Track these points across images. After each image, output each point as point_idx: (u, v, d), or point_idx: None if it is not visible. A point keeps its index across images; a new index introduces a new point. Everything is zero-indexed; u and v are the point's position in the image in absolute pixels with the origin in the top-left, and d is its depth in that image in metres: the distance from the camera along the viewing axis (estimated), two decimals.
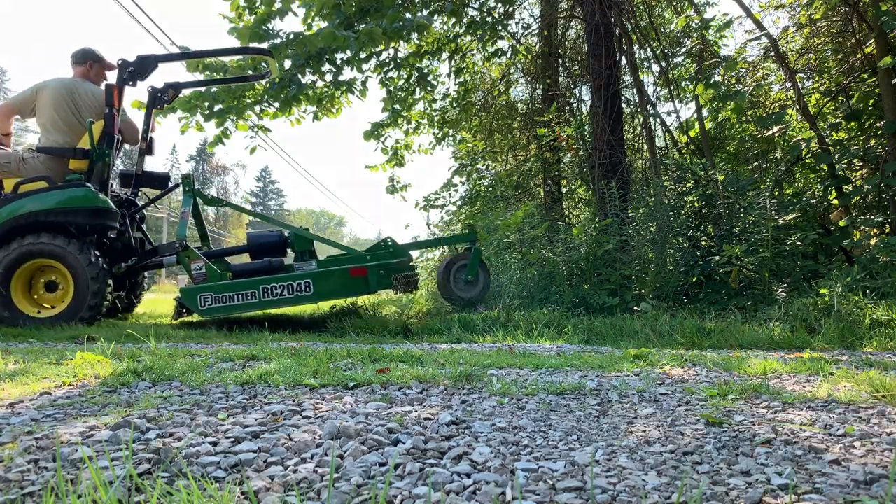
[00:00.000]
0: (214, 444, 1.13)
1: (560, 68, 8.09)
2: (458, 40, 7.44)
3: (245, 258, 4.71)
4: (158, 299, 9.56)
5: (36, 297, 4.12)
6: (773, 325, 3.21)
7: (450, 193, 8.63)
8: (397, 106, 7.54)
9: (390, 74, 7.11)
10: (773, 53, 5.23)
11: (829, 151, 4.68)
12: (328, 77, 6.15)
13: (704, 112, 6.03)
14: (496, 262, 5.25)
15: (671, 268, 4.30)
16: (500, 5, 7.22)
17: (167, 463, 1.02)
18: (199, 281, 3.92)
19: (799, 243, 4.11)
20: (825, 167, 4.84)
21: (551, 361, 2.24)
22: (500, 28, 7.14)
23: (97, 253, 4.05)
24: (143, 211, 4.84)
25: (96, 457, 1.06)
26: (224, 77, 5.61)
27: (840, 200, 4.70)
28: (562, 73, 8.10)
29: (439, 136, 8.71)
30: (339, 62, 5.95)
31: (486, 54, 7.71)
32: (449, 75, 7.83)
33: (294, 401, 1.52)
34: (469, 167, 8.59)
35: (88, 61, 4.46)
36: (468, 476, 1.00)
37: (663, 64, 6.44)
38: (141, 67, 4.29)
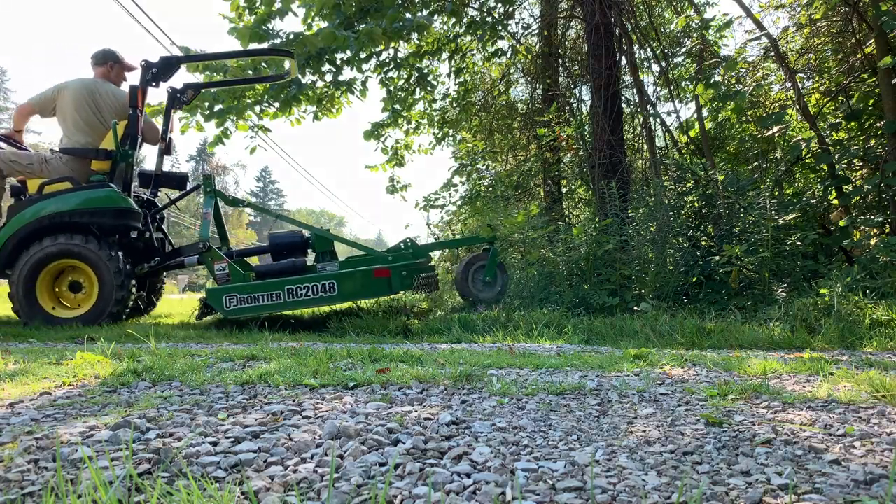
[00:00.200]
0: (214, 444, 1.13)
1: (560, 68, 8.09)
2: (458, 40, 7.44)
3: (266, 259, 4.71)
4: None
5: (60, 297, 4.13)
6: (773, 325, 3.21)
7: (450, 193, 8.63)
8: (397, 106, 7.54)
9: (390, 74, 7.11)
10: (773, 53, 5.23)
11: (829, 151, 4.68)
12: (328, 77, 6.16)
13: (704, 112, 6.03)
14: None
15: (671, 268, 4.30)
16: (500, 5, 7.22)
17: (167, 463, 1.02)
18: (222, 282, 3.93)
19: (799, 243, 4.11)
20: (825, 167, 4.84)
21: (551, 361, 2.24)
22: (500, 28, 7.14)
23: (121, 254, 4.07)
24: (163, 211, 4.86)
25: (96, 457, 1.06)
26: (241, 77, 5.64)
27: (840, 200, 4.70)
28: (562, 73, 8.10)
29: (439, 136, 8.72)
30: (339, 62, 5.95)
31: (486, 54, 7.71)
32: (449, 75, 7.83)
33: (294, 401, 1.52)
34: (469, 167, 8.59)
35: (109, 62, 4.46)
36: (468, 476, 1.00)
37: (663, 64, 6.45)
38: (164, 68, 4.31)
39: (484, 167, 8.76)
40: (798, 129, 5.36)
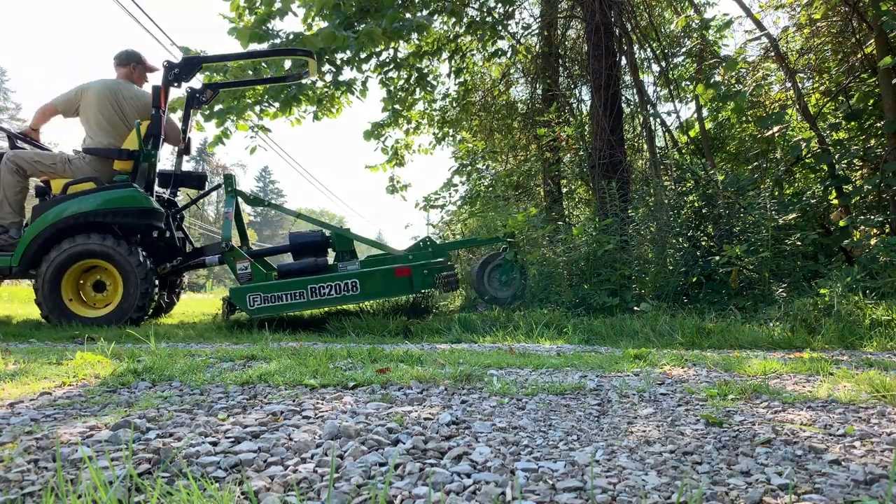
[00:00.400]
0: (214, 444, 1.13)
1: (560, 68, 8.09)
2: (458, 40, 7.44)
3: (284, 258, 4.72)
4: None
5: (84, 297, 4.14)
6: (773, 325, 3.21)
7: (450, 193, 8.64)
8: (397, 106, 7.54)
9: (390, 74, 7.11)
10: (773, 53, 5.23)
11: (829, 151, 4.68)
12: (328, 77, 6.16)
13: (704, 112, 6.03)
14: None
15: (671, 268, 4.30)
16: (500, 5, 7.22)
17: (167, 463, 1.02)
18: (244, 281, 3.95)
19: (799, 243, 4.11)
20: (825, 167, 4.84)
21: (551, 361, 2.24)
22: (500, 28, 7.14)
23: (145, 253, 4.09)
24: (183, 211, 4.90)
25: (96, 457, 1.06)
26: (252, 78, 5.68)
27: (840, 200, 4.70)
28: (562, 73, 8.10)
29: (439, 136, 8.72)
30: (339, 62, 5.95)
31: (486, 54, 7.71)
32: (449, 75, 7.83)
33: (294, 401, 1.52)
34: (469, 167, 8.59)
35: (132, 63, 4.49)
36: (468, 476, 1.00)
37: (663, 64, 6.45)
38: (186, 69, 4.34)
39: (484, 167, 8.76)
40: (798, 129, 5.36)
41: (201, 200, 5.29)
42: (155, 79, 4.46)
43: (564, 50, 8.04)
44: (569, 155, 7.36)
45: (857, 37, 5.05)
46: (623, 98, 6.57)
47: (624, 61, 6.36)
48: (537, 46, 8.05)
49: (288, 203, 64.88)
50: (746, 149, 5.94)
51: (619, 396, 1.64)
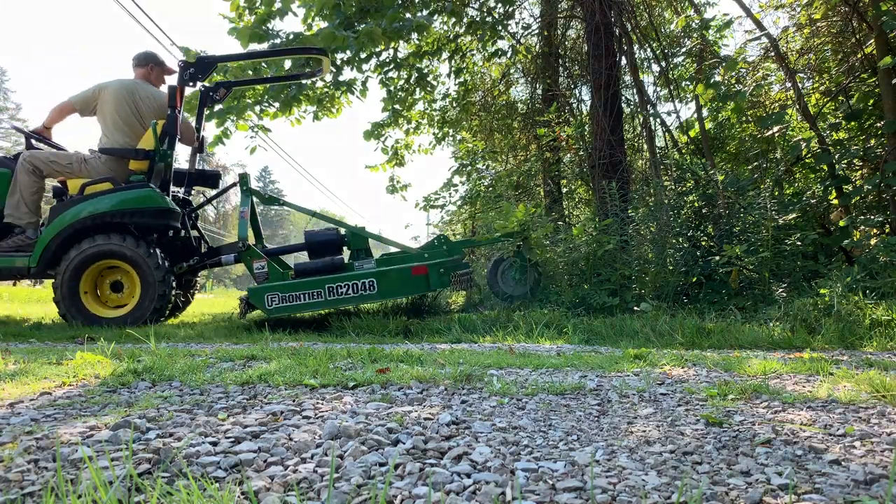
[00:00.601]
0: (214, 444, 1.13)
1: (560, 68, 8.09)
2: (458, 40, 7.44)
3: (294, 257, 4.72)
4: None
5: (102, 297, 4.15)
6: (773, 325, 3.21)
7: (450, 193, 8.64)
8: (397, 106, 7.54)
9: (390, 74, 7.11)
10: (773, 53, 5.23)
11: (829, 151, 4.68)
12: (328, 77, 6.16)
13: (704, 112, 6.03)
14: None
15: (671, 268, 4.30)
16: (500, 5, 7.22)
17: (167, 463, 1.02)
18: (261, 280, 3.96)
19: (799, 243, 4.11)
20: (825, 167, 4.84)
21: (551, 361, 2.24)
22: (500, 28, 7.14)
23: (162, 253, 4.11)
24: (198, 210, 4.91)
25: (96, 457, 1.06)
26: (271, 76, 5.71)
27: (840, 200, 4.70)
28: (562, 73, 8.11)
29: (439, 136, 8.72)
30: (339, 62, 5.95)
31: (486, 54, 7.71)
32: (449, 75, 7.83)
33: (294, 401, 1.52)
34: (469, 167, 8.60)
35: (150, 64, 4.51)
36: (468, 476, 1.00)
37: (663, 64, 6.45)
38: (201, 68, 4.36)
39: (484, 167, 8.77)
40: (798, 129, 5.36)
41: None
42: (170, 80, 4.50)
43: (564, 50, 8.05)
44: (569, 155, 7.37)
45: (857, 37, 5.05)
46: (623, 98, 6.58)
47: (624, 61, 6.36)
48: (537, 46, 8.06)
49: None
50: (746, 149, 5.94)
51: (619, 396, 1.64)
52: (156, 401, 1.50)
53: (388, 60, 6.80)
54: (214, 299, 12.20)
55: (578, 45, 7.85)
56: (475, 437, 1.22)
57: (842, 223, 4.48)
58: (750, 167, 5.52)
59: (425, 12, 6.01)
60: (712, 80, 4.90)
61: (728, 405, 1.49)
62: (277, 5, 5.42)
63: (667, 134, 6.50)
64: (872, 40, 4.70)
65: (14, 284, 10.66)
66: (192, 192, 4.89)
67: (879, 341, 2.79)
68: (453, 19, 6.89)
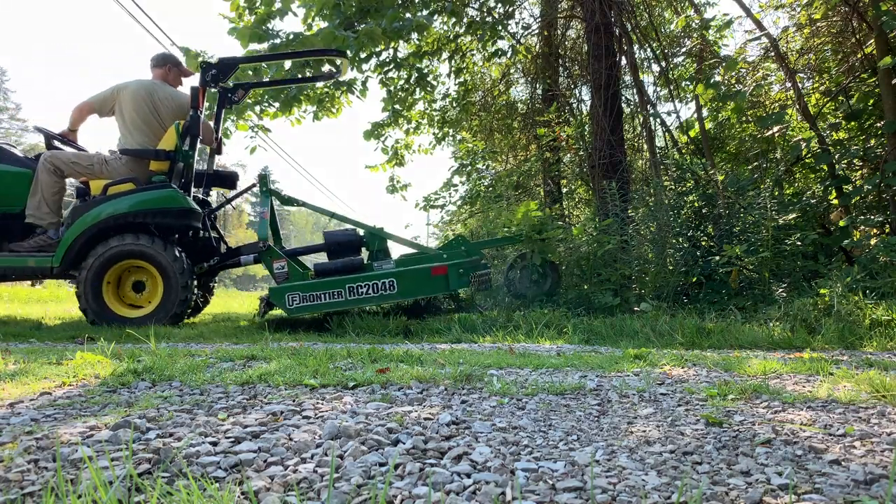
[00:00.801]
0: (214, 444, 1.13)
1: (560, 68, 8.09)
2: (458, 40, 7.44)
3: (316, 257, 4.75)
4: None
5: (124, 297, 4.16)
6: (773, 325, 3.21)
7: (450, 193, 8.65)
8: (397, 106, 7.54)
9: (390, 74, 7.11)
10: (773, 53, 5.23)
11: (829, 151, 4.68)
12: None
13: (704, 112, 6.03)
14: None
15: (671, 268, 4.30)
16: (500, 5, 7.22)
17: (167, 463, 1.02)
18: (281, 280, 3.98)
19: (799, 243, 4.11)
20: (825, 167, 4.84)
21: (551, 361, 2.24)
22: (500, 28, 7.14)
23: (184, 253, 4.12)
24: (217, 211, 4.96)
25: (96, 457, 1.06)
26: (293, 78, 5.75)
27: (840, 200, 4.70)
28: (562, 73, 8.11)
29: (439, 136, 8.72)
30: (338, 61, 5.95)
31: (486, 54, 7.71)
32: (449, 75, 7.83)
33: (294, 401, 1.52)
34: (469, 167, 8.60)
35: (168, 65, 4.53)
36: (468, 476, 1.00)
37: (663, 64, 6.45)
38: (223, 70, 4.39)
39: (484, 167, 8.77)
40: (798, 129, 5.36)
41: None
42: (187, 81, 4.55)
43: (564, 50, 8.05)
44: (569, 155, 7.37)
45: (857, 37, 5.05)
46: (623, 98, 6.58)
47: (624, 61, 6.36)
48: (537, 46, 8.06)
49: None
50: (746, 149, 5.94)
51: (619, 396, 1.64)
52: (156, 401, 1.50)
53: (388, 60, 6.80)
54: (215, 299, 12.18)
55: (578, 45, 7.85)
56: (475, 437, 1.22)
57: (842, 223, 4.48)
58: (750, 167, 5.52)
59: (425, 12, 6.01)
60: (712, 80, 4.90)
61: (728, 405, 1.49)
62: (277, 5, 5.42)
63: (667, 134, 6.50)
64: (872, 40, 4.70)
65: (32, 285, 10.69)
66: (211, 192, 4.93)
67: (879, 341, 2.79)
68: (453, 19, 6.89)
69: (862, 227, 4.49)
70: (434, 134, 8.70)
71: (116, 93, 4.25)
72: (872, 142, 4.82)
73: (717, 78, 5.21)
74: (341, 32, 5.02)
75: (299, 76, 5.76)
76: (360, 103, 7.11)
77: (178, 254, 4.02)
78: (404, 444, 1.16)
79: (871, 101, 4.85)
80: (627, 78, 6.69)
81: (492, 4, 7.21)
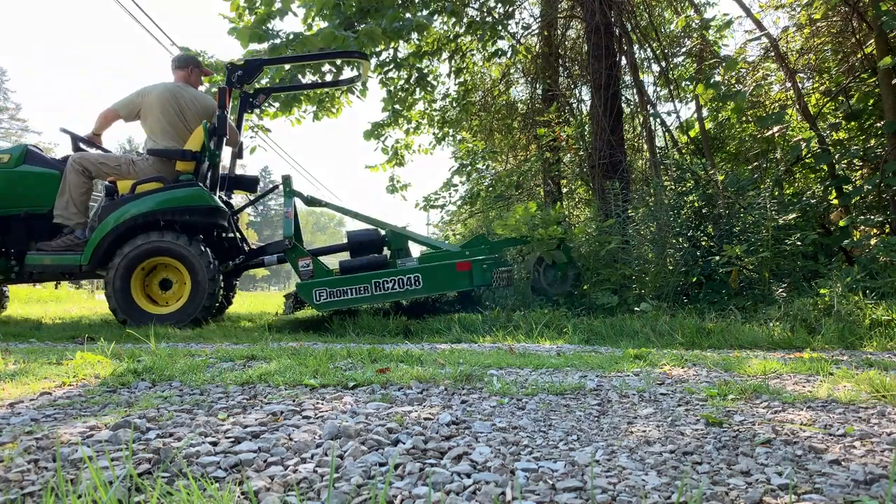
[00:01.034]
0: (214, 444, 1.13)
1: (560, 68, 8.09)
2: (458, 40, 7.44)
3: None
4: None
5: (151, 295, 4.18)
6: (773, 325, 3.21)
7: (450, 193, 8.64)
8: (397, 106, 7.54)
9: (390, 74, 7.11)
10: (773, 53, 5.23)
11: (829, 151, 4.67)
12: (328, 77, 6.16)
13: (704, 112, 6.03)
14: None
15: (671, 268, 4.29)
16: (500, 5, 7.22)
17: (167, 463, 1.02)
18: (305, 278, 4.06)
19: (799, 243, 4.11)
20: (825, 167, 4.83)
21: (551, 361, 2.24)
22: (500, 28, 7.13)
23: (211, 252, 4.16)
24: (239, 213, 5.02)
25: (96, 457, 1.06)
26: (313, 82, 5.82)
27: (840, 200, 4.70)
28: (562, 73, 8.10)
29: (439, 136, 8.72)
30: (339, 62, 5.95)
31: (486, 54, 7.71)
32: (449, 75, 7.83)
33: (294, 401, 1.52)
34: (469, 167, 8.59)
35: (189, 66, 4.56)
36: (468, 476, 1.00)
37: (663, 64, 6.44)
38: (249, 71, 4.45)
39: (484, 167, 8.76)
40: (798, 129, 5.35)
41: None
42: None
43: (564, 50, 8.04)
44: (569, 155, 7.36)
45: (857, 37, 5.05)
46: (623, 98, 6.57)
47: (624, 61, 6.35)
48: (537, 46, 8.05)
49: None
50: (746, 149, 5.94)
51: (619, 396, 1.64)
52: (156, 401, 1.50)
53: (388, 60, 6.80)
54: None
55: (578, 45, 7.85)
56: (475, 437, 1.22)
57: (842, 223, 4.48)
58: (750, 167, 5.51)
59: (425, 12, 6.01)
60: (712, 80, 4.90)
61: (728, 405, 1.49)
62: (277, 5, 5.41)
63: (667, 134, 6.50)
64: (872, 40, 4.69)
65: (56, 287, 10.73)
66: (233, 195, 4.98)
67: (879, 341, 2.79)
68: (453, 19, 6.89)
69: (862, 227, 4.49)
70: (434, 134, 8.70)
71: (141, 97, 4.30)
72: (872, 142, 4.82)
73: (717, 78, 5.20)
74: (341, 32, 5.02)
75: (319, 80, 5.86)
76: (360, 103, 7.12)
77: (206, 252, 4.05)
78: (404, 444, 1.16)
79: (871, 101, 4.85)
80: (627, 78, 6.68)
81: (492, 4, 7.21)
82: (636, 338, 3.28)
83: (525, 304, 4.40)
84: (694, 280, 4.31)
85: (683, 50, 6.63)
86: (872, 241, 4.25)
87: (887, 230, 4.44)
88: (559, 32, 8.01)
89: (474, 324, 3.78)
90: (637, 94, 6.39)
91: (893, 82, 4.25)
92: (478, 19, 6.96)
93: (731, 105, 5.01)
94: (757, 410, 1.45)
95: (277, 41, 5.44)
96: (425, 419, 1.35)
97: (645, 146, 6.59)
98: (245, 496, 0.90)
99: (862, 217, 4.50)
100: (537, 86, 8.03)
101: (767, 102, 5.78)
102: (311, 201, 4.71)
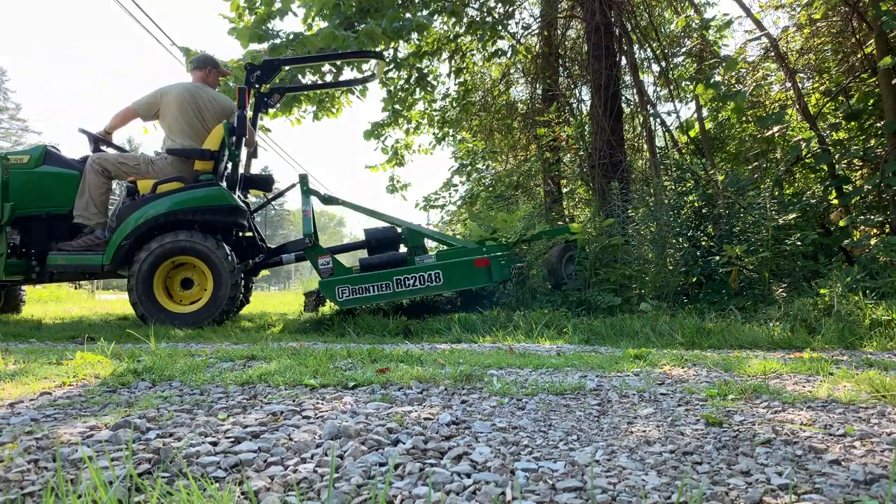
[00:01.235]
0: (214, 444, 1.13)
1: (560, 68, 8.09)
2: (458, 40, 7.44)
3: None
4: None
5: (172, 294, 4.19)
6: (773, 325, 3.21)
7: (450, 193, 8.64)
8: (397, 106, 7.54)
9: (390, 74, 7.11)
10: (773, 53, 5.23)
11: (829, 151, 4.68)
12: (328, 77, 6.16)
13: (704, 112, 6.03)
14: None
15: (671, 268, 4.29)
16: (500, 5, 7.22)
17: (167, 463, 1.02)
18: (325, 275, 4.09)
19: (799, 243, 4.11)
20: (825, 167, 4.83)
21: (551, 361, 2.24)
22: (500, 28, 7.14)
23: (232, 251, 4.18)
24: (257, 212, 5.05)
25: (96, 457, 1.06)
26: (328, 81, 5.84)
27: (840, 200, 4.70)
28: (562, 73, 8.10)
29: (439, 136, 8.72)
30: (338, 62, 5.95)
31: (486, 54, 7.71)
32: (449, 75, 7.83)
33: (294, 401, 1.52)
34: (469, 167, 8.60)
35: (208, 66, 4.58)
36: (468, 476, 1.00)
37: (663, 64, 6.44)
38: (267, 71, 4.46)
39: (484, 167, 8.77)
40: (798, 129, 5.36)
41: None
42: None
43: (564, 50, 8.04)
44: (569, 155, 7.37)
45: (857, 37, 5.05)
46: (623, 98, 6.57)
47: (624, 61, 6.35)
48: (537, 46, 8.05)
49: (288, 203, 64.90)
50: (746, 149, 5.94)
51: (619, 396, 1.64)
52: (156, 401, 1.50)
53: (388, 60, 6.80)
54: None
55: (578, 45, 7.85)
56: (475, 437, 1.22)
57: (842, 223, 4.48)
58: (750, 167, 5.51)
59: (425, 12, 6.01)
60: (712, 80, 4.90)
61: (728, 405, 1.49)
62: (277, 5, 5.41)
63: (667, 134, 6.50)
64: (872, 40, 4.70)
65: (75, 288, 10.73)
66: (248, 195, 4.99)
67: (879, 341, 2.79)
68: (453, 19, 6.89)
69: (862, 227, 4.49)
70: (434, 134, 8.70)
71: (160, 97, 4.31)
72: (872, 142, 4.82)
73: (717, 78, 5.21)
74: (341, 32, 5.02)
75: (319, 80, 5.88)
76: (360, 103, 7.11)
77: (228, 251, 4.07)
78: (404, 444, 1.16)
79: (871, 101, 4.85)
80: (627, 78, 6.68)
81: (492, 4, 7.21)
82: (636, 338, 3.28)
83: (525, 303, 4.40)
84: (694, 280, 4.31)
85: (683, 50, 6.63)
86: (872, 241, 4.25)
87: (887, 230, 4.44)
88: (559, 32, 8.01)
89: (474, 324, 3.78)
90: (637, 94, 6.39)
91: (893, 82, 4.25)
92: (478, 19, 6.96)
93: (731, 105, 5.01)
94: (757, 410, 1.45)
95: (277, 41, 5.44)
96: (425, 419, 1.35)
97: (645, 146, 6.59)
98: (245, 496, 0.90)
99: (862, 217, 4.51)
100: (537, 86, 8.04)
101: (767, 102, 5.78)
102: (328, 200, 4.74)
